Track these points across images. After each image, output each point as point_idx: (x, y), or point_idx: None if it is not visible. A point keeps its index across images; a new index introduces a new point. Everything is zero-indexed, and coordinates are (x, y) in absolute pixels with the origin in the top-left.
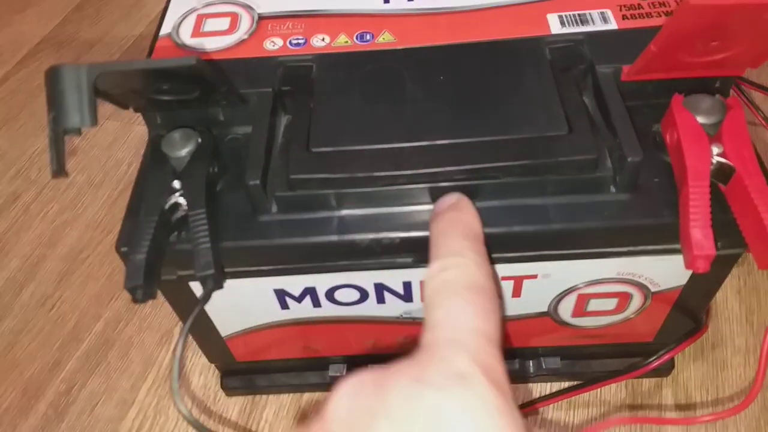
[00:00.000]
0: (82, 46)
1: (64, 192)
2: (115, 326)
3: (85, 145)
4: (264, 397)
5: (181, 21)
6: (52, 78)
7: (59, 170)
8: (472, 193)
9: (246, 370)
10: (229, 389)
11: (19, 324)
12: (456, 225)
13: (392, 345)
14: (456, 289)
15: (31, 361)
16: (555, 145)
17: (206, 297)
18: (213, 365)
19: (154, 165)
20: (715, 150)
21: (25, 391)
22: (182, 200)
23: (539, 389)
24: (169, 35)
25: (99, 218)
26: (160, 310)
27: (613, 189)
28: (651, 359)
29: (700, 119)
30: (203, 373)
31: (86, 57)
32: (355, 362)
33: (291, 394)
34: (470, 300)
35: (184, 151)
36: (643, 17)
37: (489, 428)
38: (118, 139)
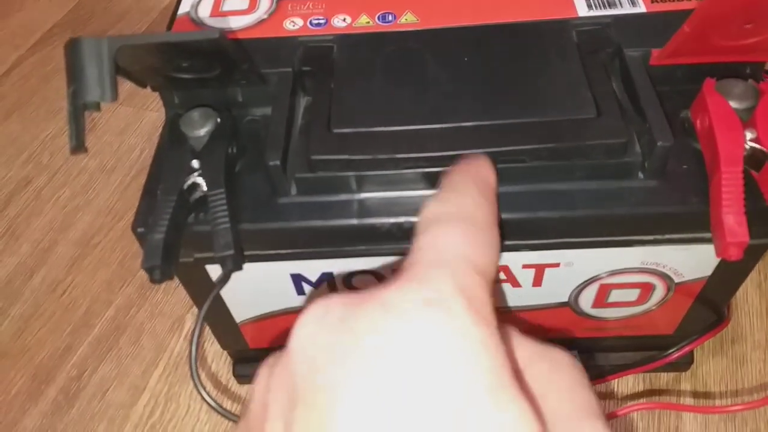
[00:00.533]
0: (94, 31)
1: (76, 177)
2: (127, 312)
3: (97, 130)
4: None
5: (200, 0)
6: (72, 50)
7: (79, 146)
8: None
9: (258, 358)
10: (240, 377)
11: (30, 309)
12: (467, 172)
13: None
14: (449, 219)
15: (42, 346)
16: (583, 129)
17: (225, 278)
18: (225, 352)
19: (172, 144)
20: (749, 135)
21: (35, 376)
22: (201, 180)
23: None
24: (187, 14)
25: (111, 204)
26: (171, 296)
27: (641, 175)
28: (671, 351)
29: (733, 104)
30: (215, 360)
31: None
32: None
33: None
34: (464, 230)
35: (203, 131)
36: (672, 0)
37: (470, 366)
38: (131, 125)
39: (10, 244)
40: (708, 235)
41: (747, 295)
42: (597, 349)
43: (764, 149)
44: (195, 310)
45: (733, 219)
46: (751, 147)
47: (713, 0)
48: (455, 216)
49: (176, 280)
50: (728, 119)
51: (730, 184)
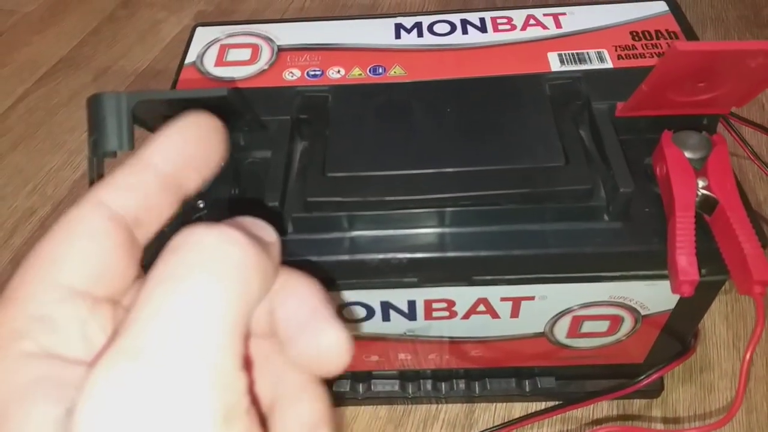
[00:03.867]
0: (98, 67)
1: None
2: None
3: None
4: None
5: (205, 50)
6: (94, 105)
7: None
8: (475, 218)
9: None
10: None
11: None
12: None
13: (394, 361)
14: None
15: None
16: (553, 176)
17: None
18: None
19: None
20: (701, 183)
21: None
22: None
23: (534, 405)
24: (193, 64)
25: None
26: None
27: (606, 217)
28: (640, 378)
29: (688, 154)
30: None
31: (103, 78)
32: (359, 377)
33: None
34: None
35: None
36: (637, 57)
37: None
38: None
39: (14, 273)
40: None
41: (715, 326)
42: (573, 377)
43: (715, 196)
44: None
45: (685, 259)
46: (703, 194)
47: (666, 63)
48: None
49: None
50: (683, 168)
51: (683, 227)
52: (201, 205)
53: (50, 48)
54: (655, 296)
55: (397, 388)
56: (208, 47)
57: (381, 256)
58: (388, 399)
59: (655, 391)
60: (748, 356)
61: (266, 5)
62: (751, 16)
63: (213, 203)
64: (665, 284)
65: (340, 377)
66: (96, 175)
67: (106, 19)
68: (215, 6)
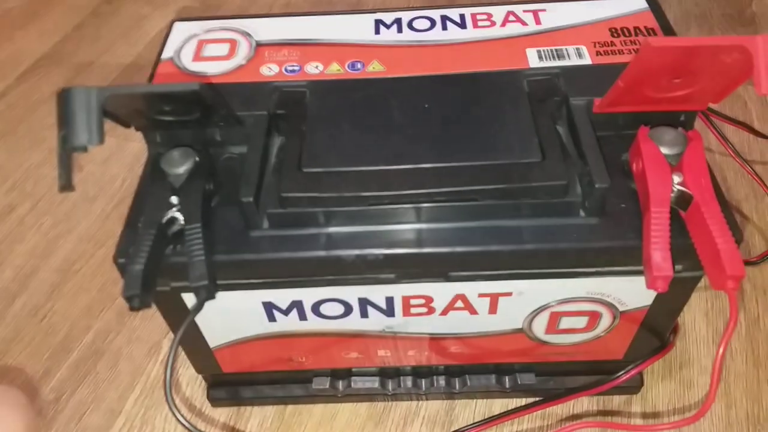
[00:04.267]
0: (81, 63)
1: (59, 205)
2: (105, 337)
3: (80, 160)
4: (249, 408)
5: (183, 45)
6: (64, 99)
7: (67, 185)
8: (452, 214)
9: (232, 382)
10: (215, 400)
11: (11, 333)
12: None
13: (374, 358)
14: None
15: (22, 369)
16: (529, 171)
17: (199, 306)
18: (199, 376)
19: (154, 181)
20: (676, 179)
21: None
22: (179, 215)
23: (514, 402)
24: (171, 59)
25: (92, 232)
26: (149, 322)
27: (582, 213)
28: (619, 373)
29: (664, 150)
30: (190, 384)
31: (85, 74)
32: (339, 375)
33: (275, 406)
34: None
35: (183, 169)
36: (615, 54)
37: None
38: (114, 155)
39: None
40: None
41: (695, 322)
42: (552, 373)
43: (689, 191)
44: (172, 335)
45: (659, 255)
46: (678, 189)
47: (641, 59)
48: None
49: (153, 307)
50: (658, 164)
51: (658, 222)
52: (175, 201)
53: (32, 44)
54: (632, 292)
55: (377, 384)
56: (186, 42)
57: (357, 252)
58: (368, 396)
59: (634, 387)
60: (721, 351)
61: (251, 1)
62: (735, 15)
63: (188, 199)
64: (642, 280)
65: (320, 374)
66: (65, 170)
67: (89, 15)
68: (200, 2)
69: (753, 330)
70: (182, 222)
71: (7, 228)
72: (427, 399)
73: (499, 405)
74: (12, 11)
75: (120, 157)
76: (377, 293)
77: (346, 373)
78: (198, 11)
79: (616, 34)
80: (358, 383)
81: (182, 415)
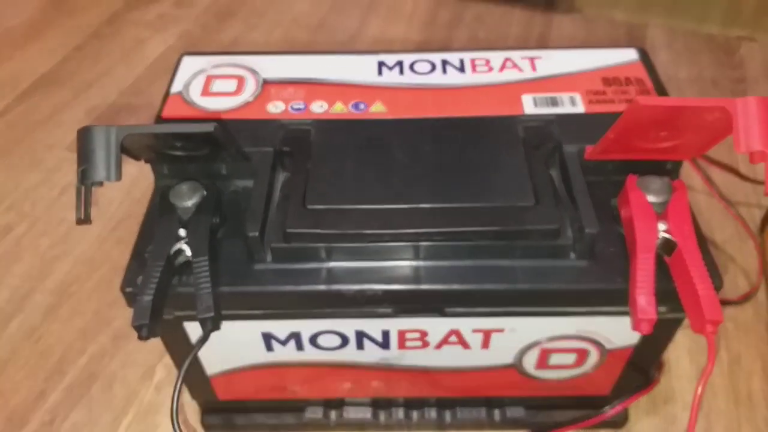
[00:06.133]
0: (81, 84)
1: (56, 227)
2: (100, 360)
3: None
4: None
5: (191, 80)
6: (85, 136)
7: (85, 218)
8: (448, 253)
9: (226, 409)
10: (208, 427)
11: (6, 354)
12: None
13: (367, 389)
14: None
15: (17, 390)
16: (522, 215)
17: (205, 337)
18: (192, 402)
19: (162, 213)
20: (662, 226)
21: (10, 419)
22: (186, 247)
23: None
24: (179, 93)
25: (89, 255)
26: (143, 346)
27: (573, 255)
28: (605, 408)
29: (651, 198)
30: (183, 410)
31: (84, 95)
32: (332, 404)
33: None
34: None
35: (191, 203)
36: (607, 102)
37: None
38: None
39: None
40: None
41: (679, 360)
42: (541, 407)
43: (674, 239)
44: (166, 360)
45: (644, 299)
46: (663, 237)
47: (630, 115)
48: None
49: None
50: (645, 212)
51: (644, 268)
52: (183, 234)
53: (32, 64)
54: (619, 331)
55: (369, 415)
56: (195, 77)
57: (357, 287)
58: (359, 426)
59: (620, 421)
60: (699, 391)
61: (251, 27)
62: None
63: (195, 232)
64: (628, 320)
65: (313, 404)
66: (84, 203)
67: (90, 36)
68: (201, 27)
69: (735, 368)
70: (189, 254)
71: (3, 248)
72: (418, 430)
73: None
74: (12, 30)
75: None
76: (374, 326)
77: (339, 403)
78: (198, 35)
79: (608, 84)
80: (351, 413)
81: None
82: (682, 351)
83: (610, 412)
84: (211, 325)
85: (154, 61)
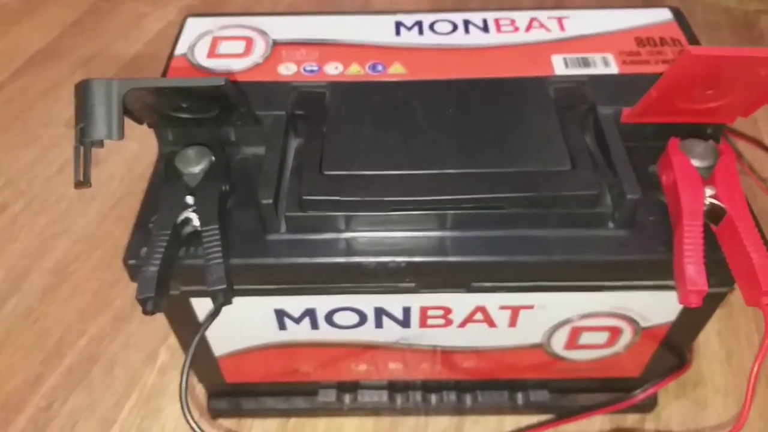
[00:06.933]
0: (78, 60)
1: (54, 205)
2: (100, 342)
3: None
4: (249, 420)
5: (197, 42)
6: (83, 91)
7: (85, 180)
8: (477, 222)
9: (234, 392)
10: (215, 411)
11: (2, 336)
12: None
13: (384, 371)
14: None
15: (13, 374)
16: (558, 180)
17: (217, 312)
18: (198, 386)
19: (168, 180)
20: (708, 192)
21: (5, 405)
22: (194, 216)
23: (526, 419)
24: (184, 55)
25: (89, 233)
26: (145, 327)
27: (611, 225)
28: (636, 392)
29: (695, 162)
30: (189, 394)
31: (81, 71)
32: (345, 387)
33: (277, 419)
34: None
35: (198, 168)
36: (642, 63)
37: None
38: (111, 154)
39: None
40: (672, 282)
41: (708, 342)
42: (566, 390)
43: (722, 205)
44: (169, 342)
45: (693, 269)
46: (711, 203)
47: (678, 68)
48: None
49: None
50: (690, 177)
51: (691, 236)
52: (190, 202)
53: (28, 39)
54: (656, 307)
55: (385, 398)
56: (200, 38)
57: (378, 259)
58: (375, 410)
59: (649, 405)
60: (755, 369)
61: (255, 1)
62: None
63: (204, 199)
64: (668, 295)
65: (326, 386)
66: (83, 165)
67: (87, 11)
68: (202, 0)
69: None
70: (197, 223)
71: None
72: (436, 414)
73: (510, 422)
74: (8, 6)
75: (118, 156)
76: (394, 303)
77: (353, 386)
78: (199, 10)
79: (642, 44)
80: (365, 396)
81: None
82: (711, 333)
83: (641, 395)
84: (222, 298)
85: (153, 37)
